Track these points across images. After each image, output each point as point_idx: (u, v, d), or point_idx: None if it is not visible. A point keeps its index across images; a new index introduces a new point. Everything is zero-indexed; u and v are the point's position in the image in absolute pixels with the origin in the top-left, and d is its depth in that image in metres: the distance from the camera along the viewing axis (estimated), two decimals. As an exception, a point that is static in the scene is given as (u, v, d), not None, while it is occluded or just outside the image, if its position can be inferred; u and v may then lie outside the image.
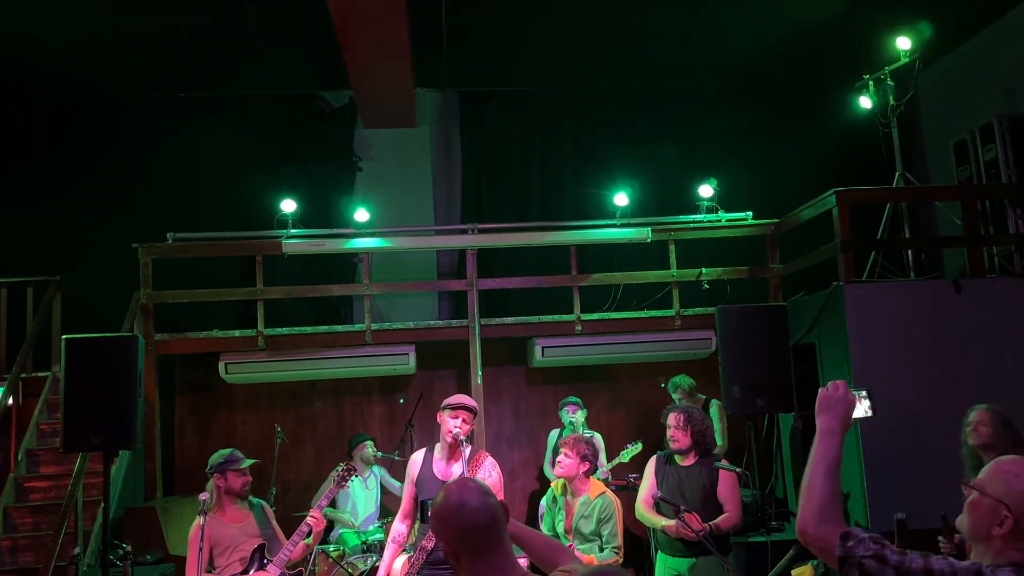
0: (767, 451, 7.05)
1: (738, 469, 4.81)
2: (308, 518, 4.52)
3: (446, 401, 4.37)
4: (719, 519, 4.56)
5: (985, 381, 5.84)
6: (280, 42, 8.12)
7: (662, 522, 4.60)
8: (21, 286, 7.43)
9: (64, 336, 5.60)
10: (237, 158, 8.88)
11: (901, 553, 1.92)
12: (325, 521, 4.73)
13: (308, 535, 4.52)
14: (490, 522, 2.11)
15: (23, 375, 7.07)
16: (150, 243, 7.28)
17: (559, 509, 4.99)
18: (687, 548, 4.54)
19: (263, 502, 4.89)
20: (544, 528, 4.89)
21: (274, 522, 4.83)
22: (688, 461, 4.77)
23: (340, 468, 4.82)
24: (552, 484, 5.17)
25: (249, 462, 4.72)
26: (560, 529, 4.92)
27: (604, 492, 4.94)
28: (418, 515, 4.29)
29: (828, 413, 2.19)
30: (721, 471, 4.71)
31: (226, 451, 4.74)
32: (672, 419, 4.78)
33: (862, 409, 2.29)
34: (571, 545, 4.64)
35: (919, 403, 5.76)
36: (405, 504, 4.41)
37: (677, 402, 7.13)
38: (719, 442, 7.00)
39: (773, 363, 5.85)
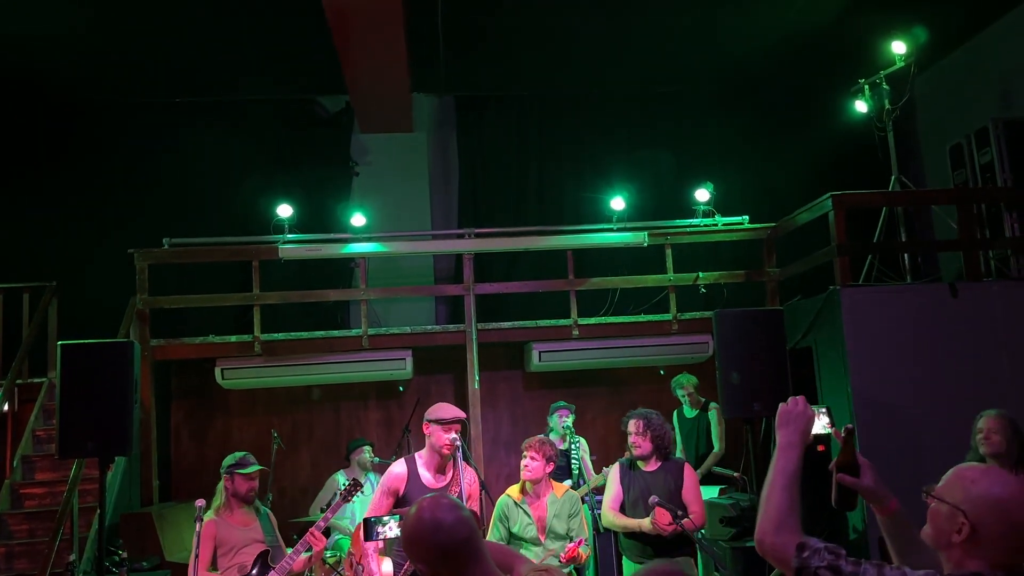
0: (764, 455, 7.04)
1: (735, 474, 4.82)
2: (309, 536, 4.51)
3: (438, 416, 4.24)
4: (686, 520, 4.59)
5: (982, 384, 5.85)
6: (277, 47, 8.12)
7: (630, 524, 4.62)
8: (17, 291, 7.40)
9: (60, 342, 5.59)
10: (234, 163, 8.86)
11: (855, 563, 1.94)
12: (325, 540, 4.71)
13: (309, 549, 4.53)
14: (468, 535, 2.10)
15: (19, 381, 7.04)
16: (146, 248, 7.26)
17: (521, 514, 4.83)
18: (653, 552, 4.58)
19: (270, 511, 4.90)
20: (492, 539, 4.76)
21: (278, 533, 4.84)
22: (651, 466, 4.79)
23: (347, 483, 4.81)
24: (507, 492, 4.97)
25: (256, 468, 4.72)
26: (530, 535, 4.77)
27: (567, 489, 4.96)
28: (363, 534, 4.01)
29: (788, 428, 2.25)
30: (685, 472, 4.76)
31: (240, 454, 4.76)
32: (632, 425, 4.81)
33: (820, 424, 2.35)
34: (570, 551, 4.61)
35: (916, 406, 5.76)
36: (378, 511, 4.22)
37: (681, 399, 7.14)
38: (716, 446, 7.00)
39: (770, 367, 5.85)
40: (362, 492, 5.33)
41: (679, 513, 4.41)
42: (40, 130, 8.80)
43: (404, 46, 7.17)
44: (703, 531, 4.64)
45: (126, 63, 8.24)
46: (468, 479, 4.25)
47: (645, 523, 4.54)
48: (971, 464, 2.04)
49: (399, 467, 4.30)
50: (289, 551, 4.60)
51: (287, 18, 7.55)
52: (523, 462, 4.83)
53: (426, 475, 4.25)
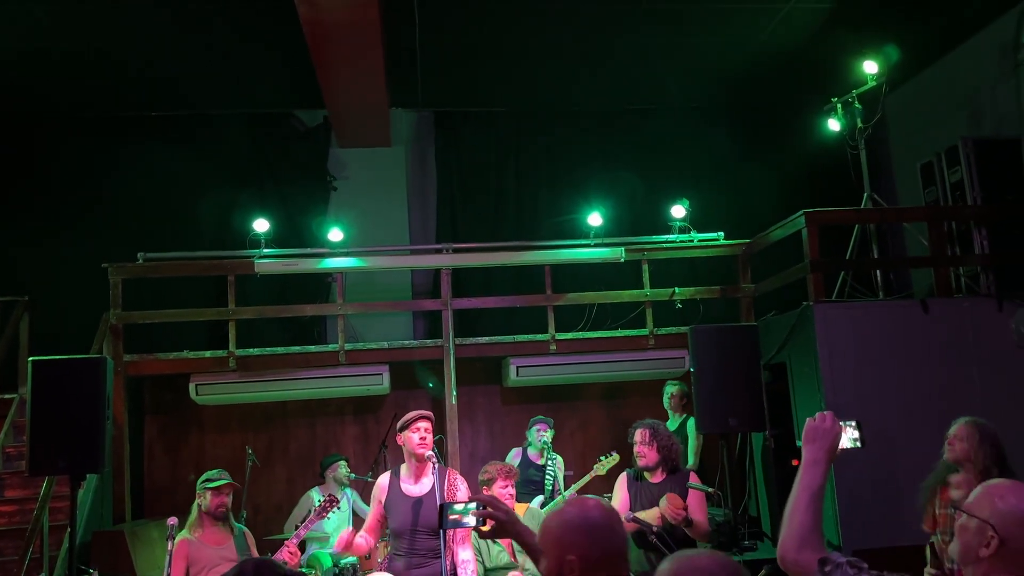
0: (740, 470, 7.08)
1: (710, 489, 4.82)
2: (284, 552, 4.48)
3: (402, 421, 4.38)
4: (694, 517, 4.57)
5: (953, 399, 5.91)
6: (254, 62, 8.11)
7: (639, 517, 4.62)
8: (-12, 306, 7.31)
9: (31, 358, 5.52)
10: (210, 177, 8.79)
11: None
12: (300, 555, 4.68)
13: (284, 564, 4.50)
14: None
15: (-11, 397, 6.95)
16: (120, 263, 7.20)
17: (490, 544, 4.81)
18: (638, 565, 4.59)
19: (246, 529, 4.85)
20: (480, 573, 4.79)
21: (254, 551, 4.78)
22: (657, 478, 4.75)
23: (322, 499, 4.79)
24: None
25: (221, 482, 4.67)
26: (504, 561, 4.79)
27: (527, 507, 5.08)
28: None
29: (814, 444, 2.20)
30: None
31: (213, 471, 4.77)
32: (638, 435, 4.78)
33: (848, 439, 2.29)
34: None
35: (888, 420, 5.82)
36: (370, 520, 4.41)
37: (668, 408, 7.16)
38: (690, 460, 7.03)
39: (745, 382, 5.90)
40: (338, 508, 5.31)
41: (652, 530, 4.41)
42: (12, 143, 8.69)
43: (382, 61, 7.19)
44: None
45: (101, 76, 8.17)
46: (452, 488, 4.29)
47: (653, 512, 4.52)
48: (1001, 480, 2.04)
49: (383, 478, 4.44)
50: None
51: (264, 33, 7.55)
52: (497, 490, 4.83)
53: (407, 484, 4.33)
